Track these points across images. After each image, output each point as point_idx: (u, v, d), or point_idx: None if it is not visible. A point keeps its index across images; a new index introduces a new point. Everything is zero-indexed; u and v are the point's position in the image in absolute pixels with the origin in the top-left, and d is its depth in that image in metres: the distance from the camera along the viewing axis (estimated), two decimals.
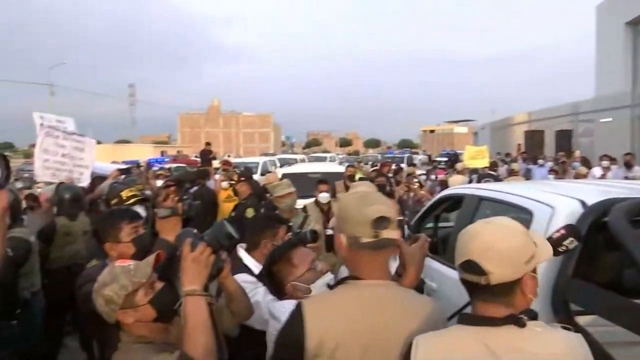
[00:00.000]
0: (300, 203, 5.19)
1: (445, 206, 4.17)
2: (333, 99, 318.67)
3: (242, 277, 2.31)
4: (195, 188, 7.47)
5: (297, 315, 1.55)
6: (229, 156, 28.41)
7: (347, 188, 6.29)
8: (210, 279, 1.78)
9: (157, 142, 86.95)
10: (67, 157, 5.81)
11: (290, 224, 3.21)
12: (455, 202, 3.88)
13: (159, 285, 1.79)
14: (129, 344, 1.78)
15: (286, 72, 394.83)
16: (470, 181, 9.32)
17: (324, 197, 5.36)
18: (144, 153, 42.51)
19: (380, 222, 1.55)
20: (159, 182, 6.51)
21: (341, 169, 9.49)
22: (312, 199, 5.51)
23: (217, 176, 8.82)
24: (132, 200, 3.87)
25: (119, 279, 1.74)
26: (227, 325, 2.03)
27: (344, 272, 2.02)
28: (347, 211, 1.62)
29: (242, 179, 6.39)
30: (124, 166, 8.39)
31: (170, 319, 1.81)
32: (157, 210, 2.42)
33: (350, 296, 1.58)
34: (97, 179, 5.96)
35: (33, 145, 6.14)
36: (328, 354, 1.49)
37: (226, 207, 6.92)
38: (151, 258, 1.79)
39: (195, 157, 40.09)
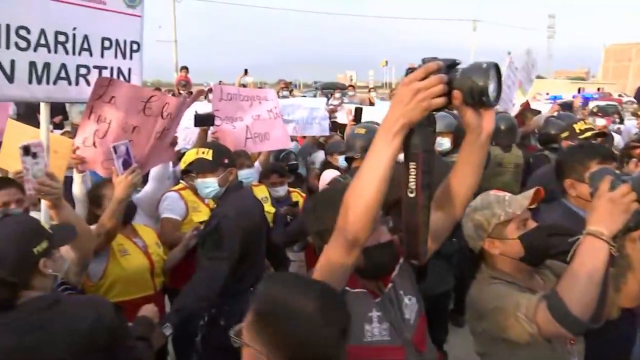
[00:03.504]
0: None
1: None
2: None
3: None
4: None
5: None
6: None
7: None
8: (625, 231, 1.44)
9: (573, 77, 79.70)
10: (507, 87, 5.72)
11: None
12: None
13: (532, 224, 1.68)
14: (488, 279, 1.71)
15: None
16: None
17: None
18: (557, 89, 39.85)
19: None
20: (600, 121, 5.66)
21: None
22: None
23: None
24: (586, 134, 3.43)
25: (492, 207, 1.69)
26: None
27: None
28: None
29: None
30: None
31: (538, 264, 1.69)
32: None
33: None
34: (530, 111, 5.71)
35: None
36: None
37: None
38: (530, 192, 1.66)
39: (620, 96, 34.70)
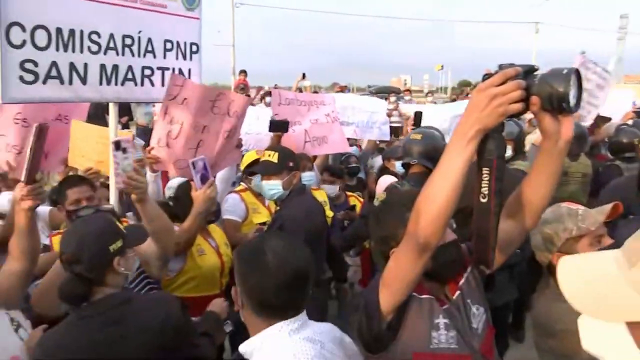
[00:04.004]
0: None
1: None
2: None
3: None
4: None
5: None
6: None
7: None
8: None
9: None
10: (585, 91, 5.40)
11: None
12: None
13: (608, 240, 1.59)
14: (555, 295, 1.46)
15: None
16: None
17: None
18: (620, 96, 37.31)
19: None
20: None
21: None
22: None
23: None
24: None
25: (564, 220, 1.61)
26: None
27: None
28: None
29: None
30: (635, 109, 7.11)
31: None
32: None
33: None
34: (600, 119, 5.39)
35: None
36: None
37: None
38: (607, 207, 1.58)
39: None
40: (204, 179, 2.59)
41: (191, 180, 2.64)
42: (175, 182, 3.22)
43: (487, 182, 1.18)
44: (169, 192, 3.05)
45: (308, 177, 3.49)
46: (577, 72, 1.12)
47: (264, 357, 1.35)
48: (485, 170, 1.18)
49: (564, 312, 1.53)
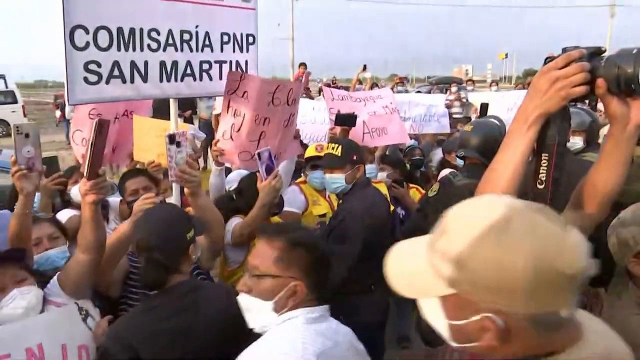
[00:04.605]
0: None
1: None
2: None
3: None
4: None
5: None
6: None
7: None
8: None
9: None
10: None
11: None
12: None
13: None
14: (633, 305, 1.54)
15: None
16: None
17: None
18: None
19: None
20: None
21: None
22: None
23: None
24: None
25: None
26: None
27: None
28: None
29: None
30: None
31: None
32: None
33: None
34: None
35: None
36: None
37: None
38: None
39: None
40: (269, 170, 2.59)
41: (257, 171, 2.66)
42: (233, 176, 3.27)
43: (545, 167, 1.14)
44: (229, 185, 3.10)
45: (369, 170, 3.45)
46: None
47: (273, 336, 1.36)
48: (544, 156, 1.14)
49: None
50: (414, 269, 0.87)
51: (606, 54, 1.09)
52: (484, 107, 5.05)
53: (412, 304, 1.43)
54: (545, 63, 1.10)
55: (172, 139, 2.10)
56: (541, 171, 1.15)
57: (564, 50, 1.10)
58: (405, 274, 0.89)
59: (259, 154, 2.57)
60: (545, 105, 1.08)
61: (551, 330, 0.82)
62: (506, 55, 49.41)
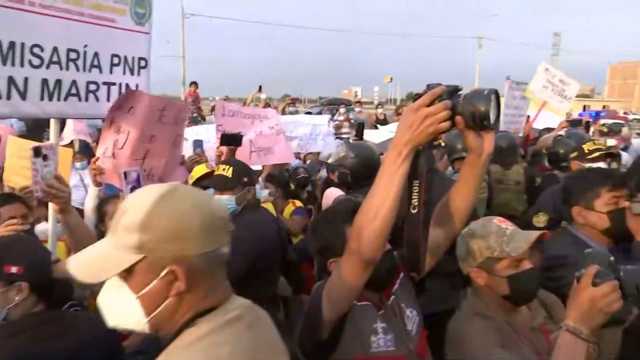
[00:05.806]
0: None
1: None
2: None
3: None
4: None
5: None
6: None
7: None
8: (613, 323, 1.38)
9: (578, 95, 79.41)
10: (514, 108, 5.79)
11: None
12: None
13: (526, 265, 1.60)
14: (469, 313, 1.69)
15: None
16: None
17: None
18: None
19: None
20: (610, 141, 5.49)
21: None
22: None
23: None
24: (595, 155, 3.37)
25: (489, 239, 1.62)
26: None
27: None
28: None
29: None
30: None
31: (521, 305, 1.66)
32: (632, 205, 1.89)
33: None
34: (545, 130, 5.70)
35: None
36: None
37: None
38: (534, 234, 1.60)
39: (625, 113, 34.55)
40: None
41: (120, 191, 2.54)
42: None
43: (417, 193, 1.27)
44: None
45: (257, 191, 3.48)
46: (496, 92, 1.23)
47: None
48: (415, 183, 1.27)
49: (474, 336, 1.58)
50: (98, 254, 1.01)
51: (462, 92, 1.27)
52: (360, 127, 5.39)
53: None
54: (413, 100, 1.24)
55: (37, 152, 1.98)
56: (413, 197, 1.27)
57: (429, 87, 1.25)
58: (90, 260, 1.02)
59: (125, 173, 2.48)
60: (416, 140, 1.20)
61: (219, 267, 1.03)
62: (391, 79, 52.79)
